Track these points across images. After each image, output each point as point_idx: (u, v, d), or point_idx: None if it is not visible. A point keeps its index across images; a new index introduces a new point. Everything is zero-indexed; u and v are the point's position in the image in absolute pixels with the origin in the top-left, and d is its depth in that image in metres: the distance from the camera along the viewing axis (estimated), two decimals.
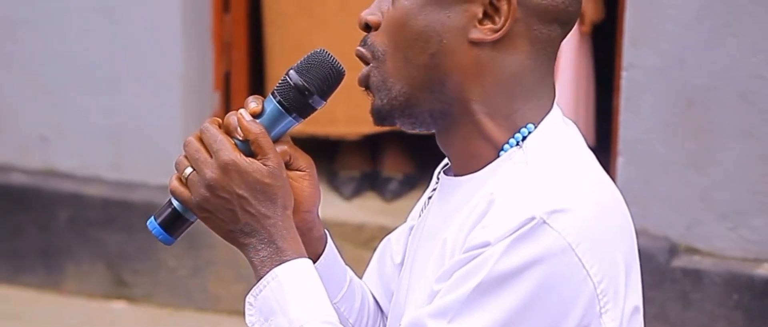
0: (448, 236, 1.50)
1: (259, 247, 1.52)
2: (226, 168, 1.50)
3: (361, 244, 3.76)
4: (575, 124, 1.58)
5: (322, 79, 1.54)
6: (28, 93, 3.97)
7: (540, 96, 1.52)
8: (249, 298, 1.52)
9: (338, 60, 1.56)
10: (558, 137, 1.51)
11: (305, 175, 1.59)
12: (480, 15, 1.49)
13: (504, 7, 1.48)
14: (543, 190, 1.44)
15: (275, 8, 3.89)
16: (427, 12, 1.49)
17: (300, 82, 1.54)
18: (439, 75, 1.49)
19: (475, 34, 1.49)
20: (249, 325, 1.53)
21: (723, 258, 3.47)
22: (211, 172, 1.50)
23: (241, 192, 1.51)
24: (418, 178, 3.99)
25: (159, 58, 3.86)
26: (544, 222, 1.40)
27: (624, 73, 3.43)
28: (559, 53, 1.57)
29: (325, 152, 4.13)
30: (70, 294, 4.01)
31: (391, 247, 1.72)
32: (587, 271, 1.42)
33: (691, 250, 3.49)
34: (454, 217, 1.51)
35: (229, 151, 1.50)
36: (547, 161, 1.48)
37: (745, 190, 3.42)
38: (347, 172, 4.00)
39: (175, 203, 1.55)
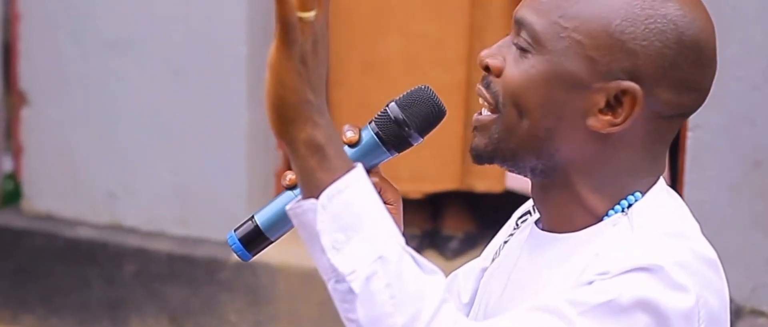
0: (543, 294, 1.46)
1: (332, 133, 1.30)
2: (324, 29, 1.31)
3: None
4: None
5: (424, 116, 1.50)
6: (98, 150, 4.02)
7: (649, 172, 1.50)
8: (322, 200, 1.27)
9: (440, 99, 1.52)
10: (664, 207, 1.48)
11: (393, 208, 1.55)
12: (602, 104, 1.44)
13: (627, 103, 1.44)
14: (659, 244, 1.42)
15: (340, 67, 3.91)
16: (550, 87, 1.44)
17: (400, 117, 1.49)
18: (549, 148, 1.46)
19: (593, 122, 1.45)
20: (319, 232, 1.27)
21: None
22: (323, 28, 1.30)
23: (322, 55, 1.31)
24: (479, 236, 3.98)
25: (225, 117, 3.90)
26: (670, 274, 1.38)
27: (689, 134, 3.41)
28: None
29: None
30: None
31: (458, 283, 1.69)
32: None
33: (757, 313, 3.45)
34: (548, 273, 1.48)
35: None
36: (655, 228, 1.45)
37: None
38: (408, 230, 3.99)
39: (258, 220, 1.50)
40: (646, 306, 1.37)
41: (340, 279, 1.30)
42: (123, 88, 3.95)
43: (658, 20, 1.44)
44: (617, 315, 1.36)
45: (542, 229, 1.54)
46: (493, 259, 1.65)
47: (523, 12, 1.47)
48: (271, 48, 1.28)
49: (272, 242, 1.52)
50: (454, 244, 3.94)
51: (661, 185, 1.51)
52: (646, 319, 1.37)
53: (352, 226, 1.29)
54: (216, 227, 3.94)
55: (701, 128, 3.39)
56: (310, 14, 1.27)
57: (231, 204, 3.92)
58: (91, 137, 4.02)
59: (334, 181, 1.30)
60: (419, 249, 3.96)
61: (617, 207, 1.47)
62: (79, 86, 3.99)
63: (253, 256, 1.51)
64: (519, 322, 1.37)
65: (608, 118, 1.44)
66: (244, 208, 3.91)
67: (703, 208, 3.43)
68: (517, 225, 1.64)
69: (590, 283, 1.38)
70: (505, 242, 1.63)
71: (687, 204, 3.88)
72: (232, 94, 3.88)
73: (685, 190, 3.47)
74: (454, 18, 3.76)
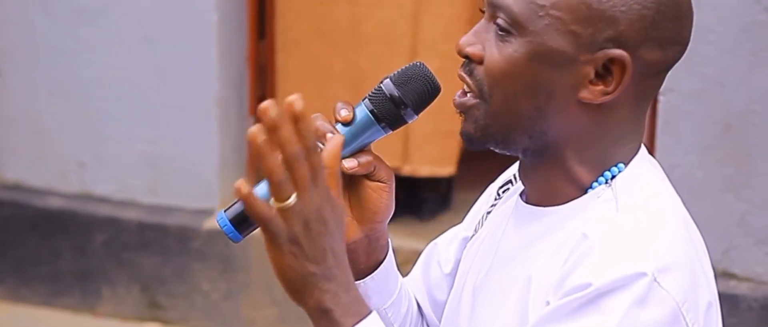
0: (532, 273, 1.47)
1: (340, 294, 1.35)
2: (329, 200, 1.33)
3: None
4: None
5: (419, 93, 1.48)
6: (68, 119, 4.00)
7: (632, 138, 1.50)
8: None
9: (435, 75, 1.51)
10: (646, 178, 1.49)
11: (386, 186, 1.53)
12: (592, 76, 1.44)
13: (617, 71, 1.44)
14: (646, 242, 1.41)
15: (288, 35, 3.90)
16: (537, 67, 1.43)
17: (396, 94, 1.48)
18: (542, 126, 1.46)
19: (585, 93, 1.45)
20: None
21: (760, 283, 3.45)
22: (317, 203, 1.31)
23: (333, 228, 1.33)
24: (453, 197, 4.00)
25: (196, 85, 3.89)
26: (655, 280, 1.38)
27: (661, 98, 3.43)
28: None
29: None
30: (105, 316, 4.03)
31: (439, 253, 1.69)
32: None
33: (728, 275, 3.47)
34: (535, 248, 1.49)
35: (330, 184, 1.34)
36: (639, 207, 1.45)
37: None
38: None
39: None
40: None
41: None
42: (92, 57, 3.93)
43: None
44: None
45: (527, 203, 1.53)
46: (475, 230, 1.64)
47: None
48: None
49: None
50: (429, 205, 3.96)
51: (643, 155, 1.51)
52: None
53: None
54: (187, 196, 3.93)
55: (673, 92, 3.40)
56: (287, 202, 1.29)
57: (202, 172, 3.91)
58: (61, 106, 3.99)
59: None
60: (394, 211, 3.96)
61: (601, 179, 1.47)
62: (49, 55, 3.97)
63: (244, 236, 1.47)
64: None
65: (600, 87, 1.44)
66: (215, 176, 3.90)
67: (675, 171, 3.44)
68: (498, 195, 1.63)
69: (577, 293, 1.38)
70: (488, 213, 1.61)
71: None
72: (202, 62, 3.86)
73: (658, 154, 3.49)
74: None
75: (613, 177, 1.47)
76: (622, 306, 1.37)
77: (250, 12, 3.94)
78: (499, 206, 1.61)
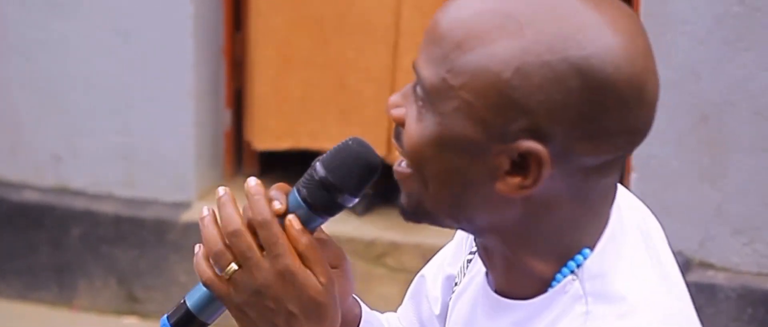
0: None
1: None
2: (283, 277, 1.29)
3: (372, 259, 3.76)
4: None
5: (357, 176, 1.29)
6: (42, 113, 3.98)
7: (594, 222, 1.28)
8: None
9: (373, 150, 1.32)
10: (618, 260, 1.28)
11: (339, 271, 1.37)
12: (507, 167, 1.23)
13: (534, 164, 1.22)
14: None
15: (263, 26, 3.89)
16: (446, 153, 1.24)
17: (328, 180, 1.29)
18: (466, 214, 1.27)
19: (501, 186, 1.23)
20: None
21: (737, 273, 3.46)
22: (264, 278, 1.29)
23: (292, 308, 1.30)
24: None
25: (172, 78, 3.88)
26: None
27: None
28: None
29: None
30: (82, 310, 4.02)
31: (427, 289, 1.54)
32: None
33: (705, 265, 3.49)
34: None
35: (291, 259, 1.29)
36: (611, 310, 1.26)
37: (759, 205, 3.41)
38: None
39: (189, 304, 1.35)
40: None
41: None
42: (67, 49, 3.91)
43: (557, 67, 1.20)
44: None
45: (494, 290, 1.35)
46: (458, 277, 1.48)
47: (418, 59, 1.27)
48: None
49: (207, 326, 1.37)
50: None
51: (613, 227, 1.30)
52: None
53: None
54: (163, 188, 3.92)
55: None
56: (228, 269, 1.30)
57: (178, 165, 3.91)
58: (35, 99, 3.98)
59: None
60: (370, 207, 3.96)
61: (565, 270, 1.28)
62: (23, 47, 3.95)
63: None
64: None
65: (517, 180, 1.23)
66: (191, 168, 3.89)
67: (651, 162, 3.45)
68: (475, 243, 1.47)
69: None
70: (469, 261, 1.45)
71: (635, 158, 3.91)
72: (178, 55, 3.85)
73: None
74: None
75: (579, 266, 1.28)
76: None
77: (226, 4, 3.93)
78: (477, 258, 1.43)
